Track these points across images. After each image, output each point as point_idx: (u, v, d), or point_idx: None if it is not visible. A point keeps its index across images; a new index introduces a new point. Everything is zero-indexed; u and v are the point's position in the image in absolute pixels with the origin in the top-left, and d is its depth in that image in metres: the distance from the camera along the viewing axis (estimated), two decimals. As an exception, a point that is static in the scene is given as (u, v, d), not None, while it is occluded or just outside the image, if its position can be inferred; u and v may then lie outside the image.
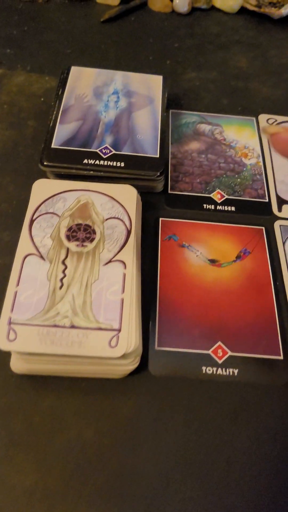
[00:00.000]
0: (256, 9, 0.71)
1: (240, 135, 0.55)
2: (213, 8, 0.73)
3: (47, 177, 0.46)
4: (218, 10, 0.73)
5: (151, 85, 0.53)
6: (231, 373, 0.38)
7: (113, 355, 0.33)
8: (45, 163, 0.44)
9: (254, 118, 0.57)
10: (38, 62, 0.61)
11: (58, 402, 0.35)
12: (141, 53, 0.64)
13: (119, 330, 0.34)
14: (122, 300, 0.36)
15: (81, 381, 0.36)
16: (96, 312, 0.35)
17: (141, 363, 0.36)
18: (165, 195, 0.48)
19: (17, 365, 0.36)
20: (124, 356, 0.34)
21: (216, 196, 0.49)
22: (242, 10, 0.72)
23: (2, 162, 0.49)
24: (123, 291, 0.36)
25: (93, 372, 0.36)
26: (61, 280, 0.37)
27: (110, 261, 0.38)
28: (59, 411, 0.35)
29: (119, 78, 0.53)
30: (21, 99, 0.56)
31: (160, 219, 0.47)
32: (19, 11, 0.67)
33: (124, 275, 0.37)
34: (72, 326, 0.34)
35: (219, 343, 0.39)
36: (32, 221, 0.40)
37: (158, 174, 0.45)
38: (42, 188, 0.42)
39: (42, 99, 0.56)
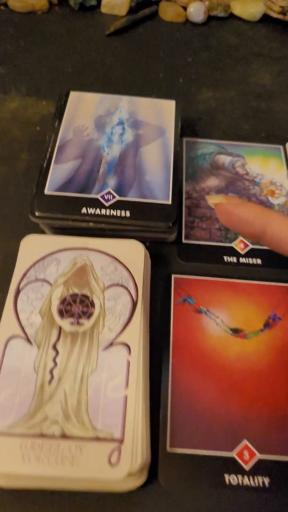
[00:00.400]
0: (280, 16, 0.63)
1: (265, 168, 0.47)
2: (231, 16, 0.65)
3: (39, 228, 0.39)
4: (237, 18, 0.65)
5: (162, 112, 0.46)
6: (260, 483, 0.30)
7: (113, 476, 0.26)
8: (37, 214, 0.37)
9: (280, 147, 0.49)
10: (34, 83, 0.53)
11: (47, 525, 0.28)
12: (151, 70, 0.57)
13: (121, 441, 0.27)
14: (126, 399, 0.29)
15: (74, 496, 0.29)
16: (93, 415, 0.28)
17: (150, 468, 0.29)
18: (178, 246, 0.41)
19: (-3, 479, 0.29)
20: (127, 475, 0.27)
21: (239, 245, 0.41)
22: (265, 18, 0.64)
23: (-11, 206, 0.42)
24: (127, 385, 0.29)
25: (88, 487, 0.29)
26: (51, 371, 0.30)
27: (111, 344, 0.31)
28: (48, 539, 0.28)
29: (124, 104, 0.46)
30: (14, 127, 0.49)
31: (173, 276, 0.39)
32: (15, 24, 0.61)
33: (128, 363, 0.30)
34: (63, 436, 0.27)
35: (245, 442, 0.32)
36: (18, 292, 0.33)
37: (170, 225, 0.38)
38: (32, 247, 0.35)
39: (38, 128, 0.49)
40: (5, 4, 0.62)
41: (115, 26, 0.61)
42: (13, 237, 0.40)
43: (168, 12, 0.64)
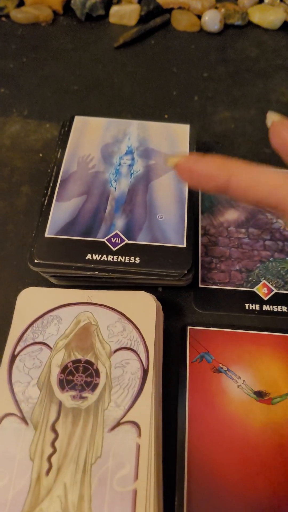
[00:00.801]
0: (302, 24, 0.58)
1: (289, 198, 0.42)
2: (249, 24, 0.60)
3: (40, 275, 0.35)
4: (256, 26, 0.60)
5: (175, 139, 0.42)
6: None
7: None
8: (36, 261, 0.33)
9: (306, 173, 0.44)
10: (37, 104, 0.49)
11: None
12: (163, 87, 0.52)
13: None
14: (135, 494, 0.25)
15: None
16: (97, 515, 0.24)
17: None
18: (194, 291, 0.37)
19: None
20: None
21: (262, 290, 0.37)
22: (286, 26, 0.59)
23: (-14, 248, 0.38)
24: (136, 477, 0.25)
25: None
26: (49, 459, 0.26)
27: (118, 424, 0.27)
28: None
29: (134, 130, 0.42)
30: (15, 156, 0.45)
31: (188, 328, 0.35)
32: (17, 38, 0.56)
33: (138, 447, 0.26)
34: None
35: (274, 534, 0.27)
36: (13, 358, 0.29)
37: (185, 272, 0.33)
38: (30, 302, 0.31)
39: (41, 154, 0.45)
40: (7, 15, 0.58)
41: (124, 38, 0.57)
42: (12, 286, 0.36)
43: (181, 21, 0.60)
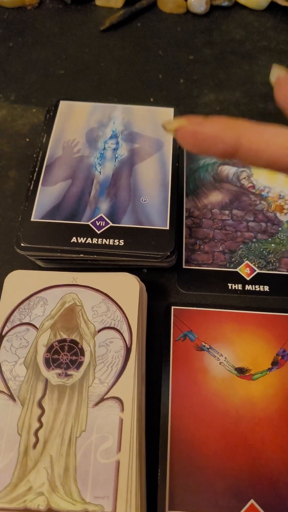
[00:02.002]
0: (288, 5, 0.58)
1: (273, 180, 0.44)
2: (236, 5, 0.60)
3: (28, 258, 0.36)
4: (242, 7, 0.60)
5: (159, 122, 0.42)
6: None
7: None
8: (22, 245, 0.34)
9: (289, 155, 0.45)
10: (24, 89, 0.50)
11: None
12: (149, 71, 0.52)
13: (113, 516, 0.24)
14: (118, 464, 0.26)
15: None
16: (82, 484, 0.25)
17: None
18: (177, 272, 0.38)
19: None
20: None
21: (244, 270, 0.38)
22: (272, 6, 0.60)
23: (-25, 233, 0.39)
24: (119, 449, 0.26)
25: None
26: (36, 433, 0.27)
27: (102, 400, 0.28)
28: None
29: (118, 114, 0.42)
30: (2, 141, 0.45)
31: (172, 308, 0.36)
32: (4, 22, 0.56)
33: (121, 421, 0.27)
34: (49, 510, 0.25)
35: (252, 502, 0.29)
36: (1, 339, 0.30)
37: (168, 254, 0.34)
38: (17, 285, 0.32)
39: (28, 139, 0.46)
40: (-6, 0, 0.58)
41: (111, 20, 0.57)
42: (2, 269, 0.37)
43: (167, 3, 0.60)
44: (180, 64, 0.54)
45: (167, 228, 0.36)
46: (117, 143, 0.40)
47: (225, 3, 0.60)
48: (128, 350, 0.30)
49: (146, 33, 0.57)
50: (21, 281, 0.33)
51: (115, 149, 0.40)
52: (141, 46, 0.55)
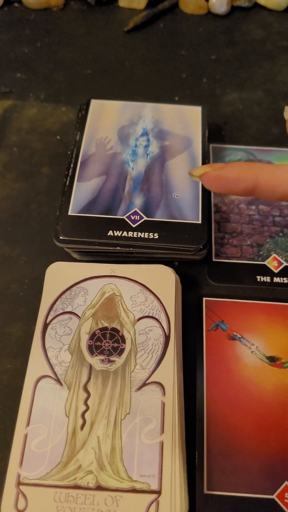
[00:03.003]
0: (308, 6, 0.59)
1: (297, 177, 0.45)
2: (256, 5, 0.62)
3: (64, 250, 0.37)
4: (262, 7, 0.61)
5: (187, 120, 0.44)
6: (303, 528, 0.29)
7: (152, 531, 0.25)
8: (61, 238, 0.36)
9: (313, 152, 0.47)
10: (53, 88, 0.51)
11: None
12: (173, 70, 0.54)
13: (160, 493, 0.26)
14: (162, 445, 0.27)
15: None
16: (128, 464, 0.27)
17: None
18: (208, 265, 0.39)
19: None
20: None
21: (272, 263, 0.39)
22: (291, 7, 0.61)
23: (12, 226, 0.41)
24: (163, 430, 0.28)
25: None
26: (83, 415, 0.28)
27: (144, 384, 0.29)
28: None
29: (148, 113, 0.44)
30: (34, 138, 0.47)
31: (204, 299, 0.37)
32: (31, 23, 0.58)
33: (163, 405, 0.29)
34: (98, 487, 0.26)
35: (286, 483, 0.30)
36: (45, 326, 0.31)
37: (201, 247, 0.36)
38: (58, 275, 0.34)
39: (58, 137, 0.47)
40: (19, 1, 0.60)
41: (134, 21, 0.59)
42: (38, 261, 0.39)
43: (189, 4, 0.61)
44: (202, 63, 0.55)
45: (200, 222, 0.37)
46: (148, 140, 0.42)
47: (245, 4, 0.61)
48: (167, 338, 0.31)
49: (168, 34, 0.58)
50: (62, 272, 0.34)
51: (146, 146, 0.41)
52: (164, 46, 0.57)
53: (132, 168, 0.40)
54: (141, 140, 0.42)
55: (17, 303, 0.37)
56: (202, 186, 0.39)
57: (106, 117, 0.43)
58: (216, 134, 0.48)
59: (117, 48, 0.56)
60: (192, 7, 0.61)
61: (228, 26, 0.59)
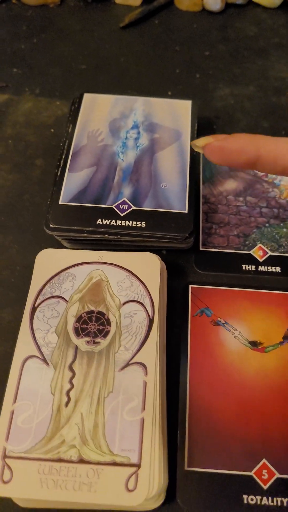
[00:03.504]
0: (301, 3, 0.60)
1: (284, 169, 0.46)
2: (250, 3, 0.63)
3: (55, 239, 0.39)
4: (256, 5, 0.62)
5: (177, 114, 0.45)
6: (279, 503, 0.30)
7: (130, 503, 0.27)
8: (51, 226, 0.37)
9: (301, 146, 0.47)
10: (48, 83, 0.53)
11: None
12: (167, 66, 0.55)
13: (139, 466, 0.27)
14: (142, 421, 0.29)
15: (94, 516, 0.29)
16: (110, 439, 0.28)
17: (168, 487, 0.30)
18: (195, 254, 0.40)
19: (15, 499, 0.29)
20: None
21: (257, 252, 0.40)
22: (285, 4, 0.62)
23: (5, 216, 0.42)
24: (144, 408, 0.29)
25: (105, 507, 0.29)
26: (68, 393, 0.30)
27: (127, 365, 0.31)
28: None
29: (139, 106, 0.45)
30: (28, 131, 0.48)
31: (190, 286, 0.39)
32: (28, 19, 0.59)
33: (145, 384, 0.30)
34: (81, 460, 0.27)
35: (264, 461, 0.31)
36: (34, 309, 0.33)
37: (187, 235, 0.37)
38: (47, 262, 0.35)
39: (52, 130, 0.48)
40: (17, -2, 0.61)
41: (130, 18, 0.60)
42: (29, 249, 0.40)
43: (184, 1, 0.62)
44: (196, 59, 0.56)
45: (186, 211, 0.38)
46: (138, 133, 0.43)
47: (240, 1, 0.62)
48: (150, 321, 0.32)
49: (163, 30, 0.59)
50: (51, 258, 0.35)
51: (136, 139, 0.43)
52: (158, 42, 0.58)
53: (122, 159, 0.41)
54: (131, 133, 0.43)
55: (8, 289, 0.39)
56: (190, 177, 0.40)
57: (98, 110, 0.45)
58: (208, 128, 0.50)
59: (112, 44, 0.57)
60: (187, 4, 0.62)
61: (222, 23, 0.60)
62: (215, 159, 0.32)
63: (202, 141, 0.32)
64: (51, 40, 0.57)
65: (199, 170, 0.45)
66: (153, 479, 0.27)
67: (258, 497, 0.30)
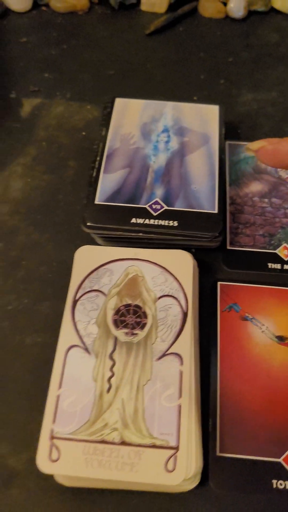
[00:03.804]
0: None
1: (307, 172, 0.48)
2: (272, 10, 0.65)
3: (89, 237, 0.41)
4: (278, 12, 0.64)
5: (205, 118, 0.47)
6: (307, 488, 0.32)
7: (170, 482, 0.29)
8: (88, 224, 0.39)
9: None
10: (78, 88, 0.55)
11: (107, 524, 0.31)
12: (192, 72, 0.57)
13: (177, 449, 0.29)
14: (179, 408, 0.31)
15: (132, 496, 0.31)
16: (150, 423, 0.30)
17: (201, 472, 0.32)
18: (222, 252, 0.42)
19: (59, 478, 0.31)
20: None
21: (283, 252, 0.42)
22: (306, 12, 0.63)
23: (41, 214, 0.44)
24: (180, 395, 0.31)
25: (145, 488, 0.31)
26: (109, 380, 0.32)
27: (164, 355, 0.33)
28: (108, 536, 0.30)
29: (169, 111, 0.47)
30: (61, 134, 0.50)
31: (219, 283, 0.41)
32: (58, 26, 0.62)
33: (181, 373, 0.32)
34: (122, 442, 0.29)
35: (292, 448, 0.33)
36: (75, 302, 0.35)
37: (217, 234, 0.39)
38: (86, 257, 0.37)
39: (84, 133, 0.51)
40: (47, 5, 0.63)
41: (155, 25, 0.62)
42: (64, 246, 0.42)
43: (208, 8, 0.64)
44: (220, 65, 0.58)
45: (216, 211, 0.40)
46: (169, 136, 0.45)
47: (262, 9, 0.64)
48: (185, 315, 0.34)
49: (188, 37, 0.61)
50: (90, 254, 0.37)
51: (167, 142, 0.45)
52: (183, 49, 0.60)
53: (154, 161, 0.43)
54: (162, 136, 0.45)
55: (45, 284, 0.41)
56: (219, 179, 0.42)
57: (130, 115, 0.47)
58: (232, 132, 0.52)
59: (138, 50, 0.60)
60: (210, 11, 0.64)
61: (245, 29, 0.62)
62: (268, 161, 0.34)
63: (256, 145, 0.34)
64: (80, 46, 0.60)
65: (225, 173, 0.47)
66: (190, 461, 0.29)
67: (287, 482, 0.32)
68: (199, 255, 0.42)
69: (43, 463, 0.29)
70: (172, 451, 0.29)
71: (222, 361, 0.37)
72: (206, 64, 0.58)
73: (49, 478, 0.32)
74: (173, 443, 0.30)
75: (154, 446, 0.29)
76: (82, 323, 0.34)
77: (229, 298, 0.40)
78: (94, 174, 0.42)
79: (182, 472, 0.29)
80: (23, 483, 0.32)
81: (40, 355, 0.37)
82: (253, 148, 0.35)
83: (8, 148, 0.49)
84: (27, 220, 0.44)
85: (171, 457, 0.29)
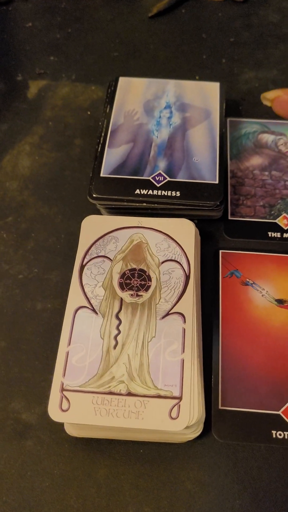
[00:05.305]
0: None
1: (307, 146, 0.49)
2: (272, -9, 0.66)
3: (95, 209, 0.43)
4: (278, -7, 0.65)
5: (207, 95, 0.48)
6: (304, 438, 0.34)
7: (174, 428, 0.30)
8: (94, 195, 0.41)
9: None
10: (83, 69, 0.56)
11: (115, 471, 0.33)
12: (194, 52, 0.59)
13: (180, 399, 0.31)
14: (183, 362, 0.32)
15: (139, 446, 0.33)
16: (154, 376, 0.32)
17: (204, 424, 0.33)
18: (224, 223, 0.44)
19: (70, 430, 0.33)
20: (186, 428, 0.31)
21: (282, 221, 0.44)
22: (306, -7, 0.65)
23: (49, 189, 0.46)
24: (183, 350, 0.33)
25: (151, 438, 0.33)
26: (115, 337, 0.33)
27: (167, 314, 0.34)
28: (116, 483, 0.32)
29: (171, 88, 0.49)
30: (67, 114, 0.52)
31: (220, 251, 0.42)
32: (62, 10, 0.63)
33: (184, 330, 0.34)
34: (129, 394, 0.31)
35: (291, 401, 0.35)
36: (82, 267, 0.37)
37: (218, 203, 0.41)
38: (92, 226, 0.39)
39: (89, 112, 0.52)
40: (51, -9, 0.65)
41: (158, 8, 0.63)
42: (72, 218, 0.44)
43: (209, -9, 0.65)
44: (222, 46, 0.59)
45: (217, 182, 0.42)
46: (171, 112, 0.47)
47: (262, -10, 0.65)
48: (187, 277, 0.36)
49: (190, 19, 0.63)
50: (96, 223, 0.39)
51: (169, 118, 0.46)
52: (186, 30, 0.61)
53: (157, 136, 0.45)
54: (164, 112, 0.47)
55: (54, 254, 0.43)
56: (219, 152, 0.44)
57: (133, 92, 0.48)
58: (234, 109, 0.53)
59: (141, 33, 0.61)
60: (212, -6, 0.65)
61: (246, 11, 0.64)
62: (283, 111, 0.34)
63: (272, 94, 0.34)
64: (85, 30, 0.61)
65: (226, 147, 0.49)
66: (193, 410, 0.31)
67: (286, 433, 0.34)
68: (201, 225, 0.43)
69: (54, 413, 0.31)
70: (176, 401, 0.31)
71: (224, 323, 0.38)
72: (208, 45, 0.59)
73: (60, 430, 0.34)
74: (176, 394, 0.31)
75: (159, 396, 0.31)
76: (89, 286, 0.36)
77: (231, 265, 0.41)
78: (99, 149, 0.44)
79: (185, 419, 0.30)
80: (36, 435, 0.34)
81: (50, 319, 0.39)
82: (268, 98, 0.34)
83: (16, 128, 0.51)
84: (36, 195, 0.46)
85: (174, 406, 0.31)
